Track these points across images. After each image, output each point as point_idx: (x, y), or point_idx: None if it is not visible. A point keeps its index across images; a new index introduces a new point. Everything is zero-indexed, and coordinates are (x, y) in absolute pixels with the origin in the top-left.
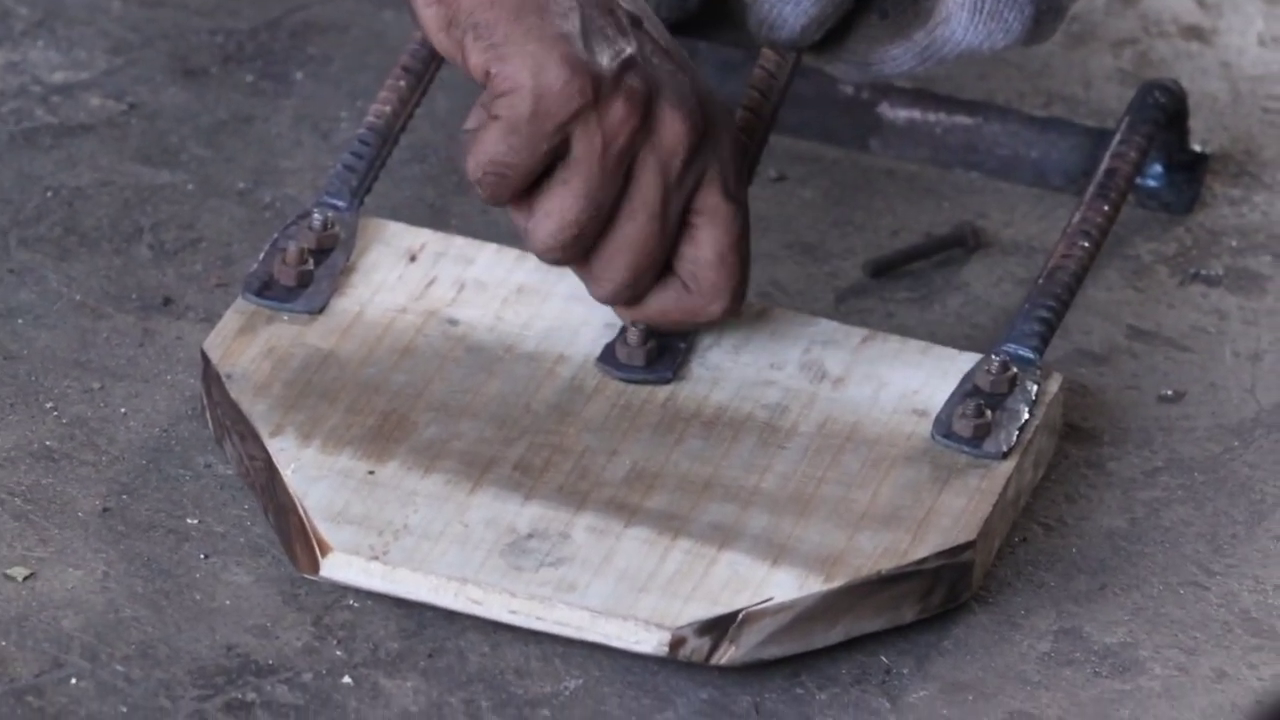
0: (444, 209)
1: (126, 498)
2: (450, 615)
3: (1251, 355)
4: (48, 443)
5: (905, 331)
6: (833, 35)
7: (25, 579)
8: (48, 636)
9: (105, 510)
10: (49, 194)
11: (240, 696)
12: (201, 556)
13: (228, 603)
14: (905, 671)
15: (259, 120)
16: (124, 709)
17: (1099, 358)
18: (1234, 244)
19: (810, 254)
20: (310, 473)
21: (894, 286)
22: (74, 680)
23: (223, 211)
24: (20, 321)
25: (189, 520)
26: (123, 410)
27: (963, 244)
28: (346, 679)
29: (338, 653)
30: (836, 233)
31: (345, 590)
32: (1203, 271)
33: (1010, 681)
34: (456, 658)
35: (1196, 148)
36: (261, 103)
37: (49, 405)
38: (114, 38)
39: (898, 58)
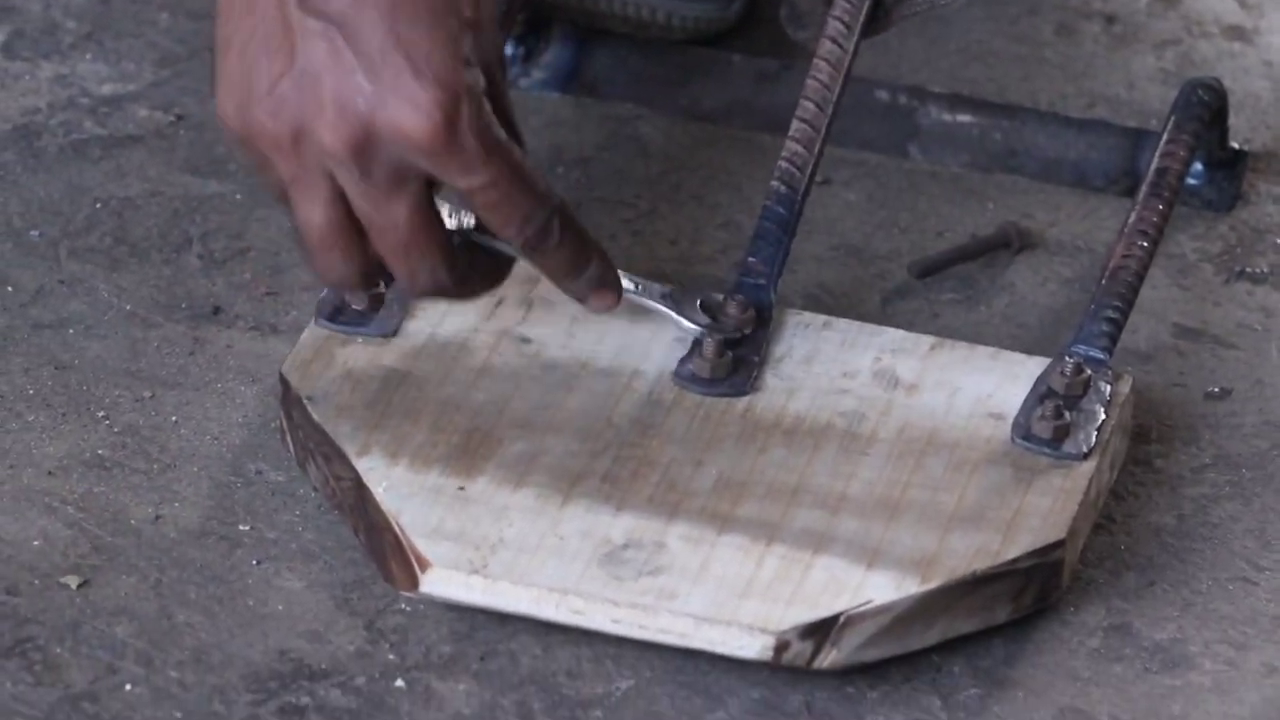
0: None
1: (178, 505)
2: (501, 618)
3: None
4: (100, 451)
5: (951, 332)
6: None
7: (79, 587)
8: (102, 644)
9: (157, 518)
10: (98, 205)
11: (294, 701)
12: (254, 562)
13: (280, 608)
14: (956, 670)
15: None
16: (178, 714)
17: (1145, 356)
18: (1278, 241)
19: (856, 256)
20: (402, 490)
21: (940, 288)
22: (128, 687)
23: (270, 221)
24: (71, 332)
25: (241, 527)
26: (174, 419)
27: (1008, 245)
28: (399, 682)
29: (390, 656)
30: (881, 235)
31: (397, 595)
32: (1248, 269)
33: (1060, 678)
34: (508, 660)
35: (1235, 145)
36: None
37: (100, 414)
38: (161, 49)
39: None
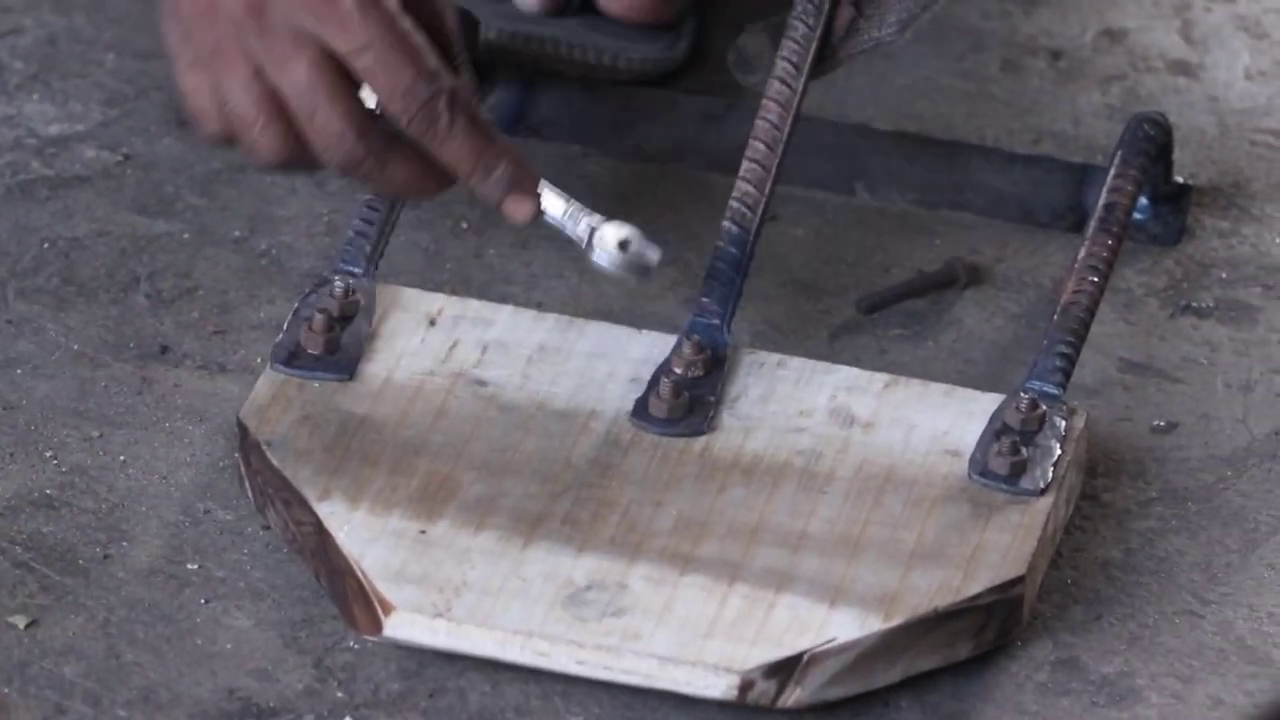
0: (438, 253)
1: (126, 544)
2: (449, 656)
3: (1243, 386)
4: (48, 491)
5: (899, 368)
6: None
7: (27, 626)
8: (50, 683)
9: (106, 557)
10: (46, 245)
11: None
12: (202, 601)
13: (229, 646)
14: (903, 705)
15: (253, 169)
16: None
17: (1091, 390)
18: (1224, 276)
19: (803, 292)
20: (363, 534)
21: (887, 323)
22: None
23: (218, 260)
24: (19, 372)
25: (189, 565)
26: (122, 458)
27: (955, 281)
28: None
29: (339, 694)
30: (829, 271)
31: (346, 633)
32: (1193, 303)
33: (1008, 712)
34: (457, 697)
35: (1180, 180)
36: None
37: (49, 454)
38: (108, 90)
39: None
